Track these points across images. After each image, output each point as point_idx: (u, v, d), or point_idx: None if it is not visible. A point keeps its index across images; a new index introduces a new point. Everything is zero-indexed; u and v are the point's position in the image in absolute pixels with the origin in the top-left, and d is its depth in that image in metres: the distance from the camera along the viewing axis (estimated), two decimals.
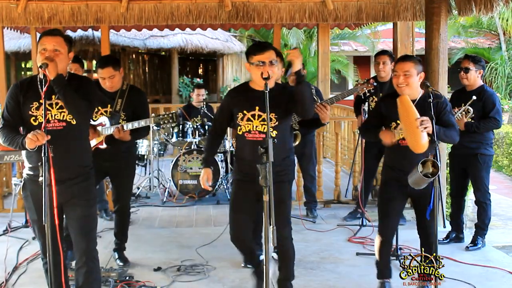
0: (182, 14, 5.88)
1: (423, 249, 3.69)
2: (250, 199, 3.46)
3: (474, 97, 4.56)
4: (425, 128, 3.32)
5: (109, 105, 4.22)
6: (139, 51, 14.33)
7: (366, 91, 4.49)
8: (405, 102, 3.47)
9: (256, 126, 3.38)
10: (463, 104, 4.67)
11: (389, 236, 3.73)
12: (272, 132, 3.33)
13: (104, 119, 4.15)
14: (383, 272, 3.80)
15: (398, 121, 3.56)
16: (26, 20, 5.79)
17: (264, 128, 3.34)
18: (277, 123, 3.37)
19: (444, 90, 5.22)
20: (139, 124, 4.12)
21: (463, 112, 4.64)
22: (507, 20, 13.67)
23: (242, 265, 4.28)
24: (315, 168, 6.02)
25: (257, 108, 3.37)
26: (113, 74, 4.19)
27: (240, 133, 3.44)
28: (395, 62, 3.69)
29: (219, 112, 3.63)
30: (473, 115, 4.65)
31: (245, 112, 3.41)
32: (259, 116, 3.37)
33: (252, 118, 3.39)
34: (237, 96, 3.53)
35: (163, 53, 14.88)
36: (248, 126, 3.40)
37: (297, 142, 5.11)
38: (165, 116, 4.22)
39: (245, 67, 4.38)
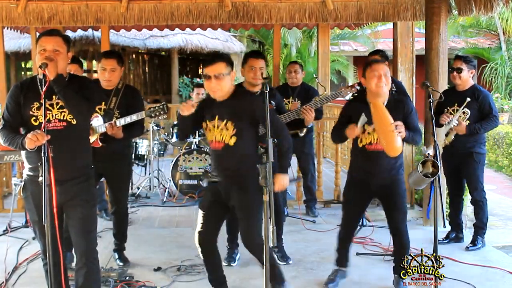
0: (182, 14, 5.88)
1: (395, 249, 3.86)
2: (218, 203, 3.50)
3: (469, 99, 4.56)
4: (399, 132, 3.42)
5: (103, 103, 4.21)
6: (139, 51, 14.33)
7: (350, 94, 4.52)
8: (379, 107, 3.52)
9: (216, 136, 3.40)
10: (456, 104, 4.68)
11: (350, 233, 4.00)
12: (230, 139, 3.35)
13: (96, 119, 4.13)
14: (341, 260, 3.99)
15: (366, 125, 3.63)
16: (26, 20, 5.79)
17: (222, 138, 3.36)
18: (235, 131, 3.35)
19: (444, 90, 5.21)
20: (131, 119, 4.11)
21: (460, 115, 4.64)
22: (507, 20, 13.66)
23: (224, 263, 4.23)
24: (315, 167, 6.05)
25: (216, 117, 3.39)
26: (115, 67, 4.20)
27: (208, 140, 3.52)
28: (367, 63, 3.66)
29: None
30: (469, 116, 4.66)
31: (207, 122, 3.45)
32: (218, 125, 3.38)
33: (212, 128, 3.41)
34: (204, 105, 3.53)
35: (163, 53, 14.88)
36: (210, 136, 3.44)
37: (304, 132, 4.99)
38: (156, 108, 4.20)
39: (240, 68, 4.40)
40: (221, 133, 3.36)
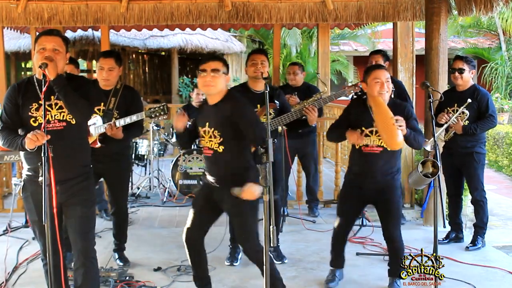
0: (182, 14, 5.88)
1: (389, 253, 3.89)
2: (209, 203, 3.48)
3: (469, 100, 4.56)
4: (400, 126, 3.44)
5: (102, 103, 4.21)
6: (139, 51, 14.33)
7: (354, 94, 4.51)
8: (380, 103, 3.57)
9: (206, 142, 3.38)
10: (456, 105, 4.68)
11: (345, 232, 3.95)
12: (218, 147, 3.32)
13: (95, 120, 4.14)
14: (335, 261, 4.00)
15: (363, 128, 3.67)
16: (26, 20, 5.80)
17: (211, 145, 3.34)
18: (222, 139, 3.31)
19: (444, 90, 5.21)
20: (131, 120, 4.12)
21: (459, 115, 4.63)
22: (507, 20, 13.66)
23: (227, 263, 4.39)
24: (317, 168, 6.06)
25: (207, 124, 3.38)
26: (113, 66, 4.20)
27: (201, 146, 3.50)
28: (368, 70, 3.72)
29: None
30: (468, 117, 4.65)
31: (199, 127, 3.45)
32: (208, 132, 3.36)
33: (204, 134, 3.40)
34: (198, 110, 3.59)
35: (163, 53, 14.88)
36: (203, 142, 3.43)
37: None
38: (157, 109, 4.19)
39: (244, 68, 4.41)
40: (211, 140, 3.34)
